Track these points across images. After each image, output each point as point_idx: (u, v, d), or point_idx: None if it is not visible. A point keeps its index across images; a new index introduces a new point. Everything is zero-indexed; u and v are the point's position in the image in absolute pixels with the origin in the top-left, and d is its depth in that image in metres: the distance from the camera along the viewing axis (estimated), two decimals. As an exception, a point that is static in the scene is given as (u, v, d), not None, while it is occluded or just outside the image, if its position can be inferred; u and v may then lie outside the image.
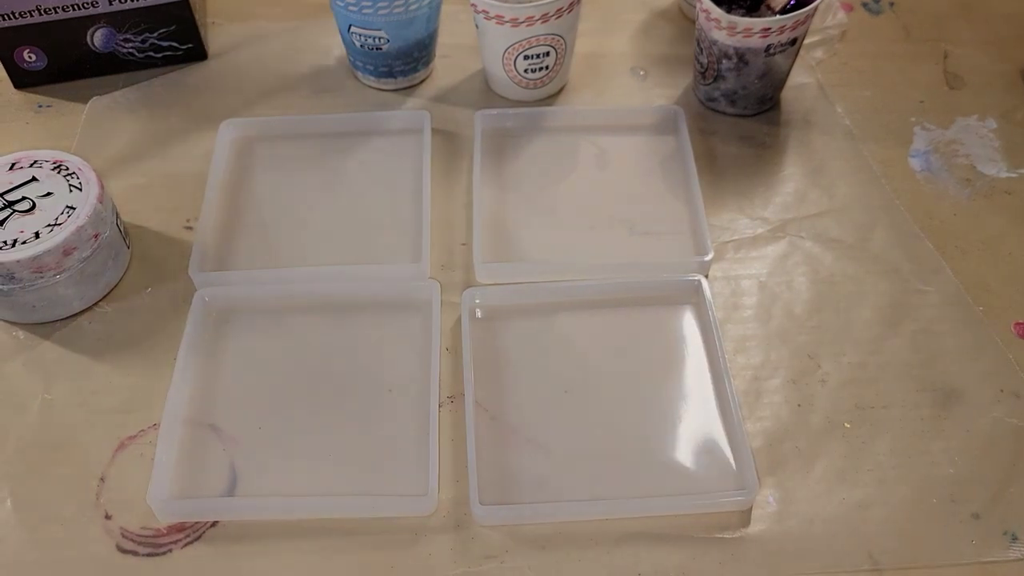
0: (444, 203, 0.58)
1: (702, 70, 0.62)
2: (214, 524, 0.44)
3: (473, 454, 0.45)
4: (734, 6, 0.61)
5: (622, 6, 0.73)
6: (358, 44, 0.62)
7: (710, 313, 0.51)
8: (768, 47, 0.58)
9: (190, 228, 0.57)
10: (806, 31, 0.59)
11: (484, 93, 0.66)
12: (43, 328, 0.52)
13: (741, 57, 0.59)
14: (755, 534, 0.44)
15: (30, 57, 0.64)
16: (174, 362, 0.49)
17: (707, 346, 0.50)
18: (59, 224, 0.49)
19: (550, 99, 0.65)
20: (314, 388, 0.49)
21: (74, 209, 0.50)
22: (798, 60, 0.63)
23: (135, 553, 0.43)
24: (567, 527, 0.44)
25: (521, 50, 0.60)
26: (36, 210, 0.50)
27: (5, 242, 0.48)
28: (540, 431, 0.47)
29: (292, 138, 0.62)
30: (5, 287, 0.49)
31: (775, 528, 0.44)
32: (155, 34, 0.65)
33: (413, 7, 0.60)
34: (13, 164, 0.52)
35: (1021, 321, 0.52)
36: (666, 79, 0.67)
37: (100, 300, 0.53)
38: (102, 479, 0.46)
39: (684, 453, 0.46)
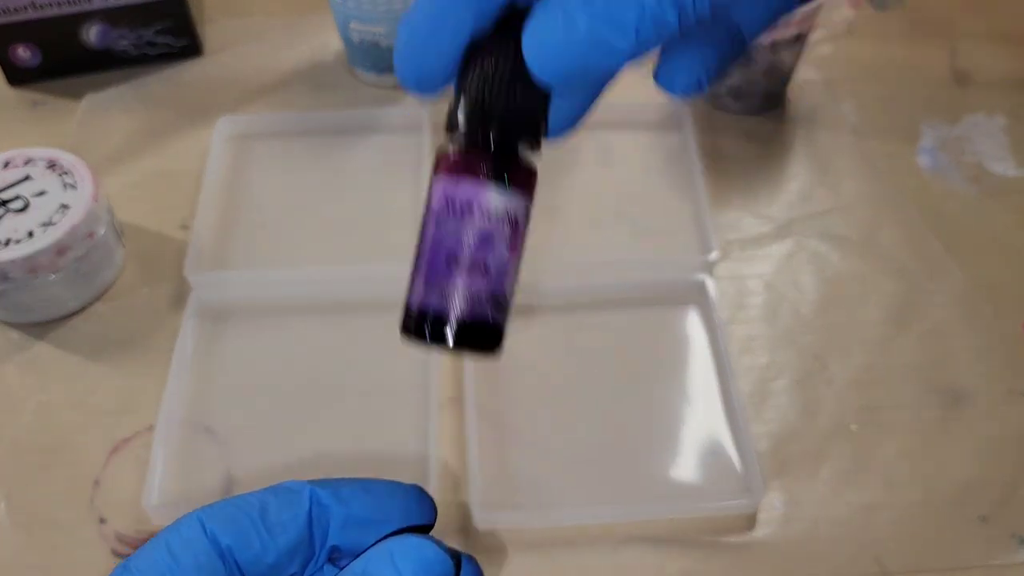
0: (444, 201, 0.57)
1: (706, 66, 0.62)
2: (210, 528, 0.43)
3: (474, 457, 0.44)
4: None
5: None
6: (357, 40, 0.61)
7: (715, 313, 0.50)
8: (773, 43, 0.57)
9: (186, 227, 0.56)
10: (812, 27, 0.58)
11: (485, 89, 0.65)
12: (37, 329, 0.51)
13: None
14: (761, 538, 0.43)
15: (24, 54, 0.63)
16: (170, 363, 0.48)
17: (712, 347, 0.50)
18: (53, 223, 0.48)
19: (552, 96, 0.64)
20: (312, 390, 0.48)
21: (68, 208, 0.49)
22: (804, 56, 0.62)
23: (130, 558, 0.43)
24: (569, 531, 0.43)
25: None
26: (30, 209, 0.49)
27: (-2, 241, 0.48)
28: (542, 433, 0.47)
29: (290, 135, 0.61)
30: (-2, 287, 0.48)
31: (781, 532, 0.43)
32: (151, 30, 0.64)
33: (412, 2, 0.59)
34: (7, 162, 0.51)
35: (1031, 321, 0.51)
36: (669, 75, 0.66)
37: (95, 300, 0.52)
38: (96, 482, 0.45)
39: (689, 456, 0.46)
